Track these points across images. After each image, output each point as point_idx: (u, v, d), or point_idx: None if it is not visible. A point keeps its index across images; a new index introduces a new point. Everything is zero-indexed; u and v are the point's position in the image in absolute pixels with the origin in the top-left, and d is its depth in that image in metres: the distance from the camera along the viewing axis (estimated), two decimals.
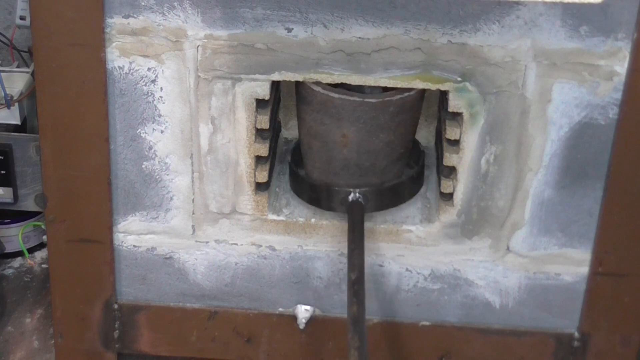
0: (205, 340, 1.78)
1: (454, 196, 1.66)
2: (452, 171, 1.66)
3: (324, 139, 1.62)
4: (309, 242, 1.70)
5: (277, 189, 1.74)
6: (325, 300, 1.74)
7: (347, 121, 1.59)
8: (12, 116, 1.94)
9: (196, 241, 1.71)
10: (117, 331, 1.77)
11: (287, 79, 1.57)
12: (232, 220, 1.69)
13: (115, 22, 1.54)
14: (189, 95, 1.59)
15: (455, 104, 1.58)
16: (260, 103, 1.61)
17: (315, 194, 1.68)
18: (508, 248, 1.68)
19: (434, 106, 1.81)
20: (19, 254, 2.08)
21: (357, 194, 1.65)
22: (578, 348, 1.74)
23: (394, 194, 1.68)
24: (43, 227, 2.04)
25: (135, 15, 1.53)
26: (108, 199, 1.66)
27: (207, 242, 1.71)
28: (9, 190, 1.94)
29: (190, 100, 1.59)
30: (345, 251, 1.69)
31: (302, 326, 1.74)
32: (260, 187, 1.68)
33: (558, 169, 1.62)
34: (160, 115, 1.60)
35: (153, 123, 1.61)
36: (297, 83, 1.61)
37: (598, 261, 1.67)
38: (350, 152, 1.62)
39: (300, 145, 1.72)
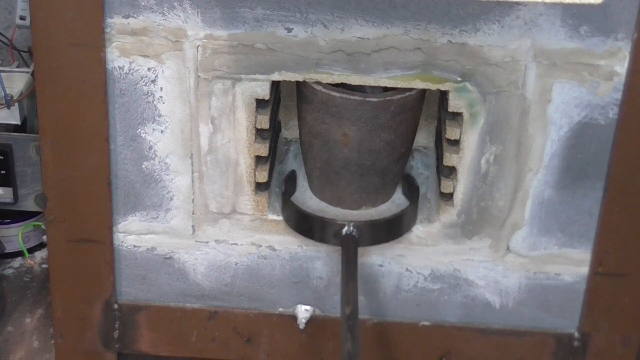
0: (205, 340, 1.78)
1: (454, 196, 1.66)
2: (452, 171, 1.66)
3: (325, 138, 1.62)
4: (309, 242, 1.70)
5: (277, 189, 1.74)
6: (325, 300, 1.74)
7: (348, 120, 1.59)
8: (12, 116, 1.94)
9: (196, 241, 1.71)
10: (117, 331, 1.77)
11: (287, 79, 1.57)
12: (232, 220, 1.69)
13: (115, 22, 1.54)
14: (189, 95, 1.59)
15: (455, 104, 1.58)
16: (260, 103, 1.61)
17: (307, 225, 1.68)
18: (508, 248, 1.68)
19: (434, 106, 1.81)
20: (19, 254, 2.08)
21: (351, 228, 1.64)
22: (578, 348, 1.74)
23: (388, 229, 1.67)
24: (43, 227, 2.04)
25: (135, 15, 1.53)
26: (108, 199, 1.66)
27: (207, 242, 1.71)
28: (9, 190, 1.94)
29: (190, 100, 1.59)
30: None
31: (302, 326, 1.74)
32: (260, 187, 1.68)
33: (558, 169, 1.62)
34: (160, 115, 1.60)
35: (153, 123, 1.61)
36: (299, 82, 1.61)
37: (598, 261, 1.67)
38: (351, 151, 1.62)
39: (300, 147, 1.72)
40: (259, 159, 1.66)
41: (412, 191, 1.72)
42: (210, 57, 1.56)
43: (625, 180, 1.60)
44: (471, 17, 1.51)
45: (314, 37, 1.53)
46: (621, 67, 1.53)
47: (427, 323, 1.75)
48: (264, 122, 1.62)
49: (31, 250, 2.09)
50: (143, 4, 1.52)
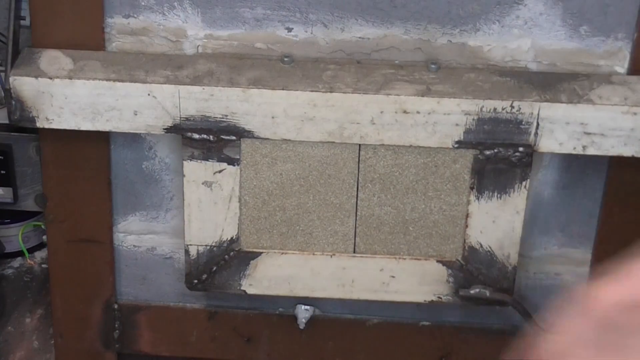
0: (205, 340, 1.78)
1: None
2: None
3: None
4: None
5: None
6: (326, 300, 1.74)
7: None
8: None
9: None
10: (117, 331, 1.77)
11: None
12: None
13: (115, 22, 1.54)
14: None
15: None
16: None
17: None
18: None
19: None
20: (19, 254, 2.08)
21: None
22: None
23: None
24: (43, 227, 2.04)
25: (135, 15, 1.53)
26: (108, 199, 1.66)
27: None
28: (9, 190, 1.94)
29: None
30: None
31: (302, 326, 1.74)
32: None
33: (558, 169, 1.61)
34: None
35: None
36: None
37: (598, 261, 1.67)
38: None
39: None
40: None
41: None
42: None
43: (625, 180, 1.60)
44: (471, 17, 1.51)
45: (314, 37, 1.53)
46: (621, 67, 1.53)
47: (427, 323, 1.75)
48: None
49: (31, 250, 2.09)
50: (143, 3, 1.52)
